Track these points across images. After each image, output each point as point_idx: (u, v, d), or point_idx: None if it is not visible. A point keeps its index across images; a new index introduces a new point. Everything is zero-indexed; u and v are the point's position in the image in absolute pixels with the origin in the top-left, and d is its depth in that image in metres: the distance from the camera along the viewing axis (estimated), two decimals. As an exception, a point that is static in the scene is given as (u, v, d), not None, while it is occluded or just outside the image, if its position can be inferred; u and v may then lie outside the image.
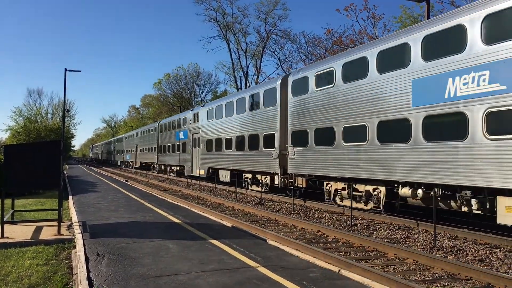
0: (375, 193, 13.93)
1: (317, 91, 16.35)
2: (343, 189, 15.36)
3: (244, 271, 7.15)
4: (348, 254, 9.13)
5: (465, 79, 10.60)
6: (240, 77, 61.23)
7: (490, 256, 8.71)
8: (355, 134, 14.25)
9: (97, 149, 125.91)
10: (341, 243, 10.27)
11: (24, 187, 11.91)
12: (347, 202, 14.74)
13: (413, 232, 11.24)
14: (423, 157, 11.63)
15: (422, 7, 31.75)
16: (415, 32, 12.39)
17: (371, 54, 13.80)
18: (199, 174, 30.23)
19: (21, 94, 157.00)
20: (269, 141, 20.11)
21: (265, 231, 11.02)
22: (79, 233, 10.37)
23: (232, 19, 59.75)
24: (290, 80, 18.41)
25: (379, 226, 12.12)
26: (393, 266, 8.07)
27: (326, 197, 16.53)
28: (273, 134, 19.77)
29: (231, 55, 62.09)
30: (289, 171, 18.35)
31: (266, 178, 20.92)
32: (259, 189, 21.38)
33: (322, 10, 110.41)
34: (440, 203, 11.53)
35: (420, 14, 33.79)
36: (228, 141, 25.12)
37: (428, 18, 19.64)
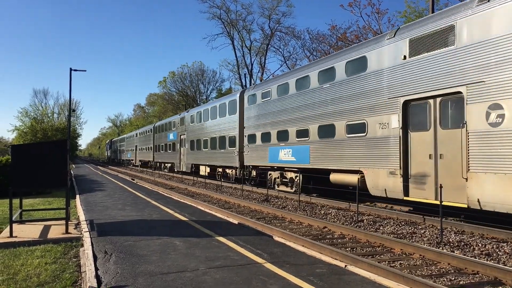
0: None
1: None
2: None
3: (251, 267, 7.18)
4: (354, 249, 9.14)
5: None
6: (245, 74, 61.36)
7: (497, 250, 8.68)
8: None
9: (124, 145, 77.24)
10: (347, 239, 10.28)
11: (31, 186, 11.99)
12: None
13: (420, 227, 11.23)
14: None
15: (427, 1, 31.62)
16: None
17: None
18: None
19: (27, 95, 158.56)
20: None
21: (271, 228, 11.04)
22: (86, 231, 10.45)
23: (236, 17, 59.94)
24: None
25: (385, 222, 12.11)
26: (400, 261, 8.07)
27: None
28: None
29: (235, 52, 62.29)
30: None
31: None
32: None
33: (326, 6, 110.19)
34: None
35: (425, 8, 33.64)
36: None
37: (432, 12, 19.55)
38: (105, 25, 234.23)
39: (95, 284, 6.26)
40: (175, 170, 39.72)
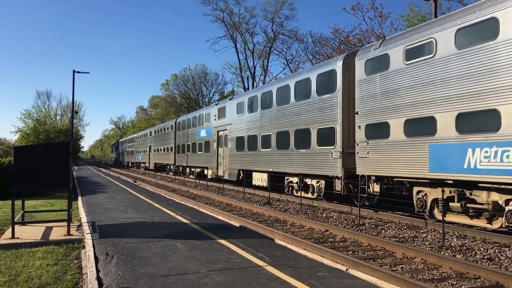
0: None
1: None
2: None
3: (252, 270, 7.18)
4: (356, 253, 9.13)
5: None
6: (248, 77, 61.42)
7: (499, 255, 8.66)
8: None
9: (134, 145, 66.73)
10: (349, 242, 10.27)
11: (34, 188, 12.03)
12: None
13: (422, 231, 11.20)
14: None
15: (430, 5, 31.63)
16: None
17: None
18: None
19: (30, 96, 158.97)
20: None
21: (273, 231, 11.04)
22: (88, 233, 10.46)
23: (239, 19, 59.99)
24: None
25: (387, 226, 12.09)
26: (401, 265, 8.06)
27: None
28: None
29: (238, 55, 62.39)
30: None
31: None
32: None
33: (329, 10, 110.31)
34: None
35: (428, 12, 33.66)
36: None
37: (435, 16, 19.53)
38: (108, 28, 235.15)
39: (96, 286, 6.27)
40: (208, 177, 29.81)
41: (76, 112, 69.54)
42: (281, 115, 20.40)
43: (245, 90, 56.35)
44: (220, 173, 28.23)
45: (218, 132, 28.97)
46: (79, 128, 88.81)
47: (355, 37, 40.53)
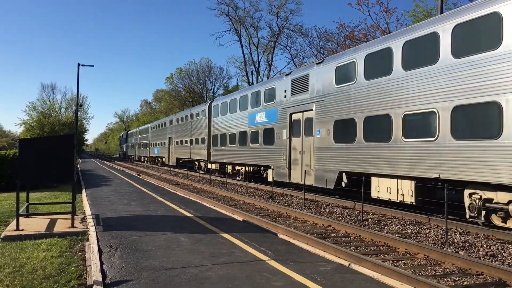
0: None
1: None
2: None
3: (255, 264, 7.21)
4: (358, 248, 9.14)
5: None
6: (252, 71, 61.32)
7: (502, 251, 8.65)
8: None
9: (148, 137, 58.55)
10: (351, 237, 10.28)
11: (38, 180, 12.09)
12: None
13: (425, 227, 11.20)
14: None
15: (436, 0, 31.42)
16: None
17: None
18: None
19: (35, 89, 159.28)
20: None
21: (276, 225, 11.06)
22: (92, 226, 10.53)
23: (244, 14, 59.88)
24: None
25: (390, 221, 12.08)
26: (404, 261, 8.06)
27: None
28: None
29: (242, 49, 62.34)
30: None
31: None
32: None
33: (334, 4, 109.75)
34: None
35: (434, 7, 33.43)
36: None
37: (441, 11, 19.45)
38: (113, 22, 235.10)
39: (100, 278, 6.31)
40: (271, 179, 21.47)
41: (81, 105, 69.71)
42: (463, 75, 11.13)
43: (249, 85, 56.06)
44: (296, 175, 19.66)
45: (291, 114, 20.11)
46: (84, 121, 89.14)
47: (360, 32, 40.40)
